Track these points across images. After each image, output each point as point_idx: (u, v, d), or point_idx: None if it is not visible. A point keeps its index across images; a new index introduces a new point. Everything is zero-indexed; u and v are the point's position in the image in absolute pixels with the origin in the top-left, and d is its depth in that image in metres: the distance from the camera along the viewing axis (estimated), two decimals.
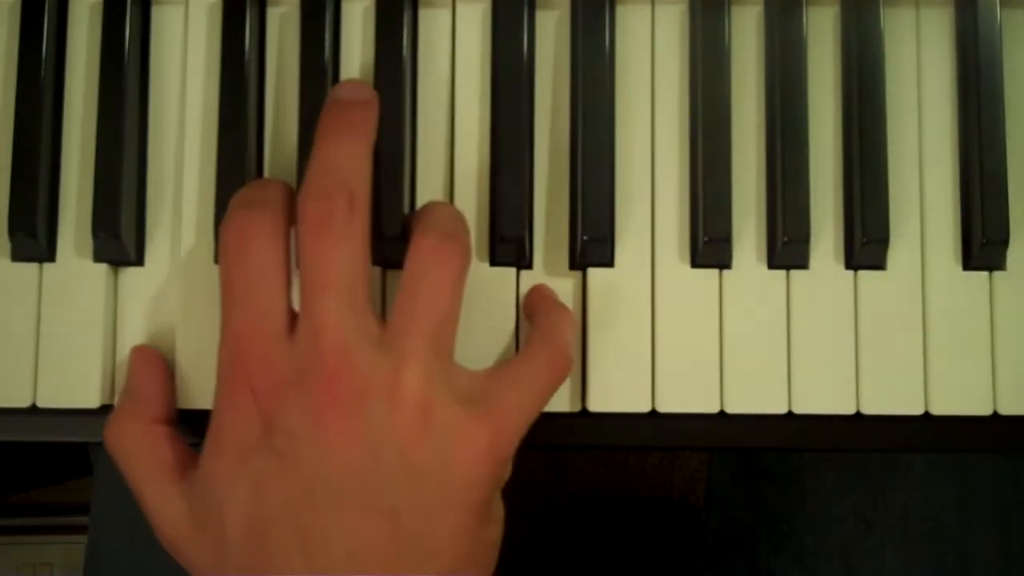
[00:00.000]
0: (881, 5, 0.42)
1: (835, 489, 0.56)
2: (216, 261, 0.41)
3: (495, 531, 0.38)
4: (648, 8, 0.43)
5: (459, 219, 0.39)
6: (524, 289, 0.42)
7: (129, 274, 0.41)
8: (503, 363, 0.39)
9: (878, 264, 0.42)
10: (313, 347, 0.35)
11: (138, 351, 0.40)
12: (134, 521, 0.54)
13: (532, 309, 0.41)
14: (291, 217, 0.38)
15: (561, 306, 0.40)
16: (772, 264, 0.42)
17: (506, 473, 0.38)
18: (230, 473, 0.36)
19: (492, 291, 0.41)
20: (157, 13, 0.42)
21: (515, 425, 0.37)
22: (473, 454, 0.36)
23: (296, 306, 0.37)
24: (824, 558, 0.55)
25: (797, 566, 0.56)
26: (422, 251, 0.37)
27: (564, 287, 0.41)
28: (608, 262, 0.41)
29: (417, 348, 0.36)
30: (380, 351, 0.36)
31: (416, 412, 0.35)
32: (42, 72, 0.41)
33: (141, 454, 0.38)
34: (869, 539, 0.55)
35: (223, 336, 0.37)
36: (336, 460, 0.35)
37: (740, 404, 0.41)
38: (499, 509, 0.38)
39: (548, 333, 0.39)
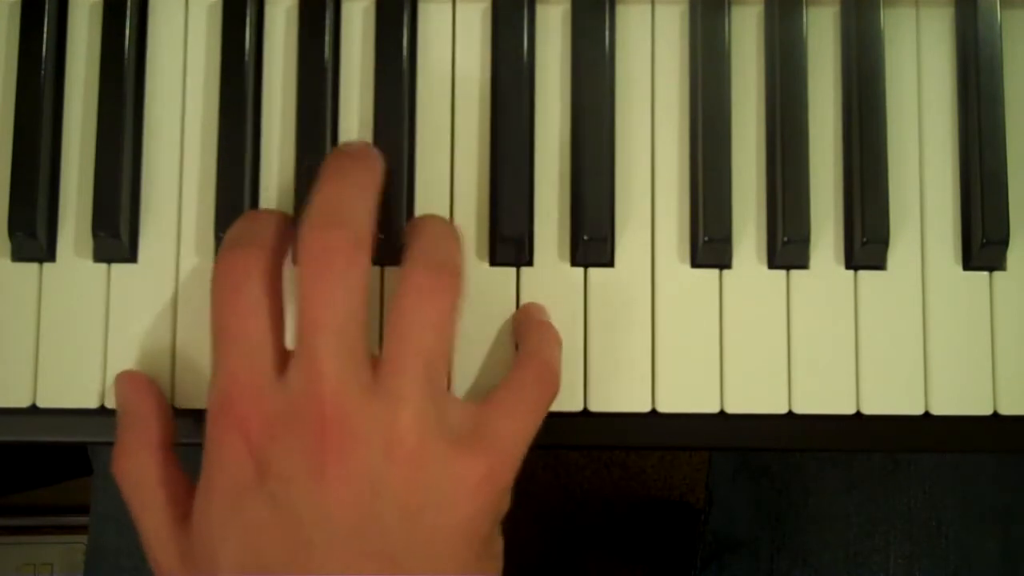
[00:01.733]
0: (881, 5, 0.42)
1: (839, 488, 0.56)
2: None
3: (494, 567, 0.37)
4: (648, 8, 0.43)
5: (451, 241, 0.38)
6: (524, 289, 0.42)
7: (129, 274, 0.41)
8: (494, 390, 0.38)
9: (878, 264, 0.42)
10: (307, 390, 0.35)
11: (124, 377, 0.40)
12: (133, 522, 0.54)
13: (518, 328, 0.40)
14: (284, 248, 0.37)
15: (546, 324, 0.40)
16: (772, 264, 0.42)
17: (505, 504, 0.37)
18: (222, 519, 0.35)
19: (492, 291, 0.41)
20: (157, 13, 0.42)
21: (511, 453, 0.37)
22: (471, 489, 0.35)
23: (288, 343, 0.36)
24: (828, 557, 0.55)
25: (800, 565, 0.56)
26: (412, 287, 0.36)
27: (564, 287, 0.41)
28: (608, 262, 0.41)
29: (410, 389, 0.35)
30: (374, 394, 0.35)
31: (411, 455, 0.35)
32: (42, 72, 0.41)
33: (145, 485, 0.38)
34: (874, 538, 0.55)
35: (214, 375, 0.36)
36: (333, 507, 0.34)
37: (740, 404, 0.41)
38: (499, 544, 0.38)
39: (534, 351, 0.39)
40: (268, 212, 0.39)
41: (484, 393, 0.39)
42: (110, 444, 0.41)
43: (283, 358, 0.36)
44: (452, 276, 0.37)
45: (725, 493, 0.61)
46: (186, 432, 0.40)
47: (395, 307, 0.36)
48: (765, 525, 0.57)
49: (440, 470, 0.35)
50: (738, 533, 0.59)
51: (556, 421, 0.41)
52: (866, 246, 0.41)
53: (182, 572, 0.37)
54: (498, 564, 0.38)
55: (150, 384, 0.40)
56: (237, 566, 0.35)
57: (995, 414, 0.41)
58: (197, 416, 0.40)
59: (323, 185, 0.37)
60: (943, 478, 0.55)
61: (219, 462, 0.35)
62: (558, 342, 0.40)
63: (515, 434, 0.37)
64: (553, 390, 0.39)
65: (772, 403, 0.41)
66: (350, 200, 0.36)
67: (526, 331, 0.40)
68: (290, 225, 0.39)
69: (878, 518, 0.55)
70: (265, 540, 0.34)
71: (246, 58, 0.41)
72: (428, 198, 0.42)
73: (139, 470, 0.38)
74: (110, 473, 0.53)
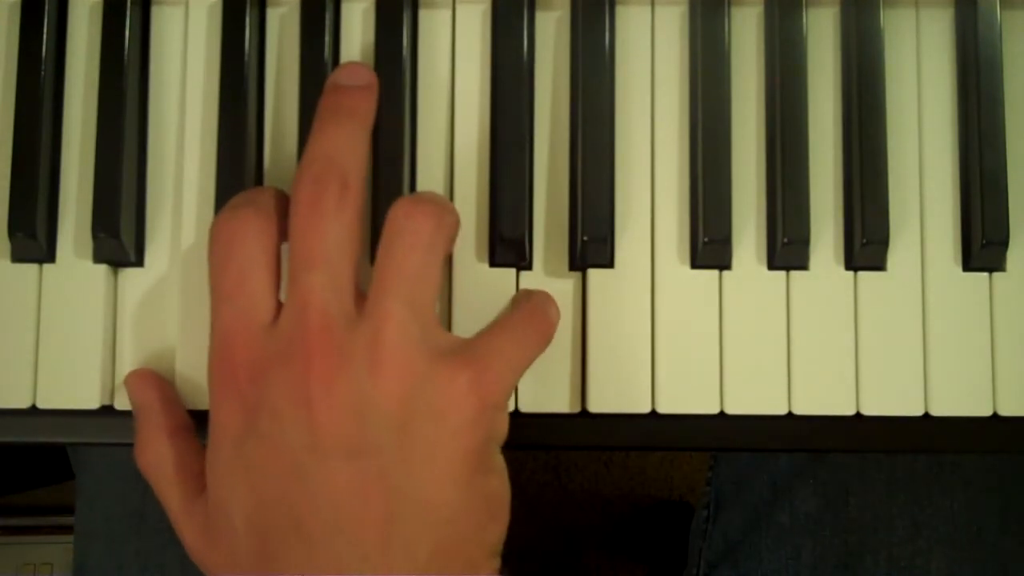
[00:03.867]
0: (881, 5, 0.42)
1: (881, 490, 0.55)
2: None
3: (496, 482, 0.38)
4: (648, 8, 0.43)
5: (438, 196, 0.39)
6: None
7: (129, 275, 0.41)
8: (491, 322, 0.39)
9: (878, 265, 0.42)
10: (296, 322, 0.36)
11: (130, 376, 0.41)
12: (119, 539, 0.54)
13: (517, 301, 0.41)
14: (283, 218, 0.38)
15: (548, 297, 0.41)
16: (772, 265, 0.42)
17: (500, 426, 0.38)
18: (228, 470, 0.36)
19: (492, 292, 0.41)
20: (157, 13, 0.42)
21: (498, 368, 0.37)
22: (457, 399, 0.36)
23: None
24: (869, 561, 0.54)
25: (841, 570, 0.55)
26: (395, 215, 0.37)
27: (564, 287, 0.41)
28: (608, 262, 0.41)
29: (393, 307, 0.36)
30: (359, 318, 0.36)
31: (395, 368, 0.35)
32: (42, 72, 0.41)
33: (164, 467, 0.39)
34: (916, 542, 0.54)
35: (212, 335, 0.37)
36: (320, 429, 0.35)
37: (740, 405, 0.41)
38: (498, 460, 0.38)
39: (526, 297, 0.40)
40: (267, 187, 0.40)
41: None
42: (110, 445, 0.41)
43: (278, 313, 0.37)
44: (435, 206, 0.38)
45: (740, 494, 0.60)
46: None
47: (382, 236, 0.37)
48: (802, 528, 0.56)
49: (426, 382, 0.36)
50: (758, 535, 0.58)
51: (556, 421, 0.41)
52: (866, 247, 0.41)
53: (204, 544, 0.38)
54: (501, 480, 0.38)
55: (153, 376, 0.41)
56: (245, 514, 0.36)
57: (995, 415, 0.41)
58: (198, 417, 0.40)
59: (316, 130, 0.38)
60: (983, 482, 0.54)
61: (219, 420, 0.37)
62: (555, 303, 0.41)
63: (502, 351, 0.38)
64: (546, 328, 0.39)
65: (772, 404, 0.41)
66: (342, 143, 0.38)
67: (519, 297, 0.41)
68: (286, 199, 0.39)
69: (922, 522, 0.54)
70: (261, 477, 0.36)
71: (246, 58, 0.41)
72: None
73: (155, 457, 0.39)
74: (92, 490, 0.54)
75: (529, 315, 0.39)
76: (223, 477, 0.36)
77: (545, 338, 0.39)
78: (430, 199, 0.38)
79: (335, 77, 0.40)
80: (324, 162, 0.37)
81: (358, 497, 0.35)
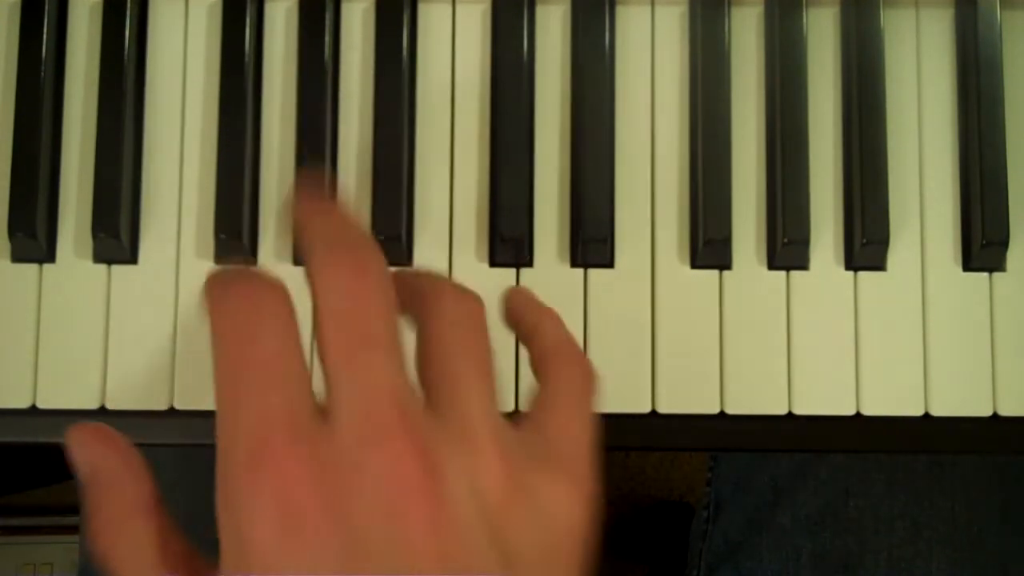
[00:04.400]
0: (881, 5, 0.42)
1: (882, 491, 0.54)
2: (216, 262, 0.41)
3: None
4: (648, 8, 0.43)
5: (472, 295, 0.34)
6: None
7: (121, 271, 0.41)
8: (537, 401, 0.34)
9: (878, 265, 0.42)
10: (366, 413, 0.28)
11: (80, 429, 0.32)
12: None
13: (518, 319, 0.37)
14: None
15: (550, 311, 0.36)
16: (772, 265, 0.42)
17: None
18: None
19: (493, 291, 0.41)
20: (156, 13, 0.42)
21: (590, 461, 0.33)
22: (568, 507, 0.31)
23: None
24: (870, 562, 0.54)
25: (840, 570, 0.55)
26: (447, 300, 0.32)
27: (564, 287, 0.41)
28: (608, 262, 0.41)
29: (479, 406, 0.30)
30: (439, 418, 0.30)
31: (502, 476, 0.30)
32: (42, 72, 0.41)
33: (142, 555, 0.31)
34: (917, 544, 0.53)
35: (232, 431, 0.29)
36: (426, 554, 0.28)
37: (740, 405, 0.41)
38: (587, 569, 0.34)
39: (563, 348, 0.35)
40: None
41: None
42: None
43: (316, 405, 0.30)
44: (477, 298, 0.33)
45: (740, 495, 0.60)
46: (188, 433, 0.40)
47: (432, 334, 0.32)
48: (802, 529, 0.56)
49: (532, 492, 0.31)
50: (758, 536, 0.58)
51: None
52: (866, 247, 0.41)
53: None
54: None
55: (113, 434, 0.32)
56: None
57: (995, 415, 0.41)
58: (198, 416, 0.40)
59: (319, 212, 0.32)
60: (984, 483, 0.53)
61: (259, 533, 0.28)
62: (562, 325, 0.36)
63: (586, 440, 0.33)
64: (596, 380, 0.35)
65: (772, 404, 0.41)
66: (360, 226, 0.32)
67: (535, 321, 0.36)
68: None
69: (922, 522, 0.53)
70: None
71: (246, 58, 0.41)
72: (428, 198, 0.42)
73: (128, 541, 0.31)
74: None
75: (583, 376, 0.34)
76: None
77: (597, 385, 0.35)
78: (472, 298, 0.33)
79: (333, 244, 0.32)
80: (358, 231, 0.31)
81: None
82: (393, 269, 0.32)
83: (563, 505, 0.31)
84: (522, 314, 0.36)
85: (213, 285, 0.31)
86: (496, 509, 0.29)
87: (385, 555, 0.28)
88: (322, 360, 0.30)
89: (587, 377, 0.34)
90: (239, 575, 0.28)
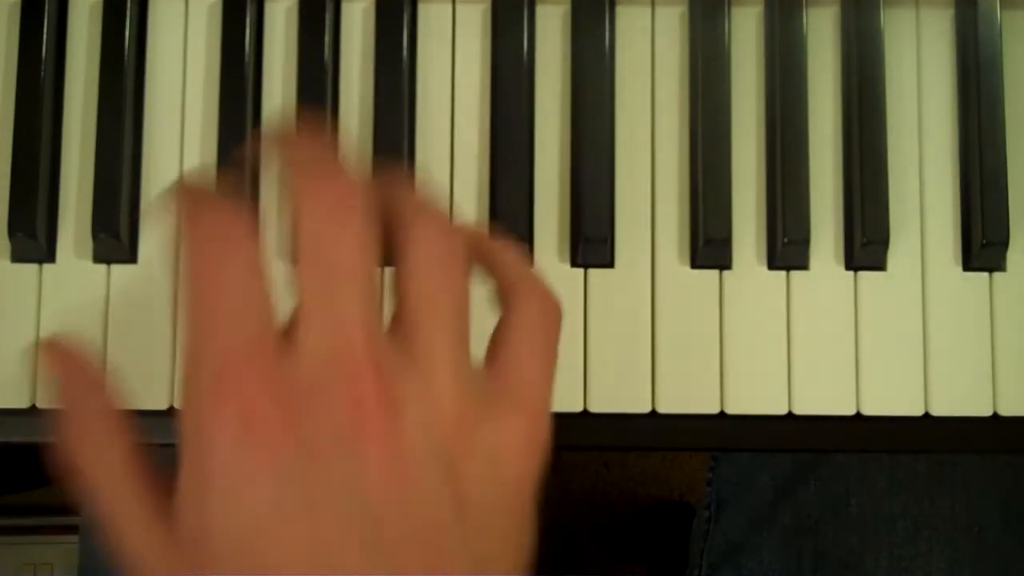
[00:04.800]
0: (881, 5, 0.42)
1: (883, 490, 0.54)
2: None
3: (531, 542, 0.34)
4: (648, 8, 0.43)
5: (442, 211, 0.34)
6: None
7: (120, 270, 0.41)
8: (500, 335, 0.34)
9: (878, 265, 0.42)
10: (334, 350, 0.30)
11: (50, 345, 0.33)
12: None
13: (479, 254, 0.35)
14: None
15: (509, 245, 0.36)
16: (772, 265, 0.42)
17: (542, 462, 0.34)
18: (225, 508, 0.30)
19: None
20: (157, 13, 0.42)
21: (544, 404, 0.34)
22: (516, 451, 0.33)
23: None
24: (871, 561, 0.54)
25: (841, 568, 0.55)
26: (425, 237, 0.33)
27: (564, 287, 0.41)
28: (608, 262, 0.41)
29: (445, 347, 0.32)
30: (405, 354, 0.31)
31: (456, 417, 0.31)
32: (42, 72, 0.41)
33: (112, 471, 0.32)
34: (918, 543, 0.53)
35: (196, 352, 0.30)
36: (380, 480, 0.30)
37: (740, 405, 0.41)
38: (534, 518, 0.35)
39: (523, 282, 0.35)
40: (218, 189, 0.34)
41: None
42: None
43: (280, 330, 0.31)
44: (455, 234, 0.33)
45: (742, 495, 0.60)
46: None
47: (409, 258, 0.32)
48: (803, 528, 0.56)
49: (484, 434, 0.32)
50: (760, 536, 0.58)
51: (556, 421, 0.41)
52: (866, 247, 0.41)
53: (169, 566, 0.31)
54: (532, 540, 0.34)
55: (83, 352, 0.33)
56: (251, 562, 0.30)
57: (995, 415, 0.41)
58: None
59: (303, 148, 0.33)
60: (985, 483, 0.53)
61: (219, 453, 0.30)
62: (526, 263, 0.36)
63: (541, 383, 0.34)
64: (560, 317, 0.35)
65: (772, 404, 0.41)
66: (342, 163, 0.32)
67: (494, 254, 0.35)
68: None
69: (923, 522, 0.53)
70: (292, 530, 0.30)
71: (246, 58, 0.41)
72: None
73: (102, 452, 0.32)
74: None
75: (542, 311, 0.35)
76: (218, 515, 0.30)
77: (561, 324, 0.35)
78: (454, 229, 0.33)
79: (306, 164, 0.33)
80: (342, 169, 0.32)
81: (416, 553, 0.30)
82: (386, 180, 0.33)
83: (512, 446, 0.32)
84: (480, 249, 0.35)
85: (186, 202, 0.32)
86: (448, 446, 0.31)
87: (338, 474, 0.29)
88: (297, 289, 0.31)
89: (547, 312, 0.34)
90: (198, 489, 0.30)
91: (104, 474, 0.32)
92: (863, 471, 0.54)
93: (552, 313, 0.35)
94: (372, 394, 0.30)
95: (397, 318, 0.33)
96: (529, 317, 0.34)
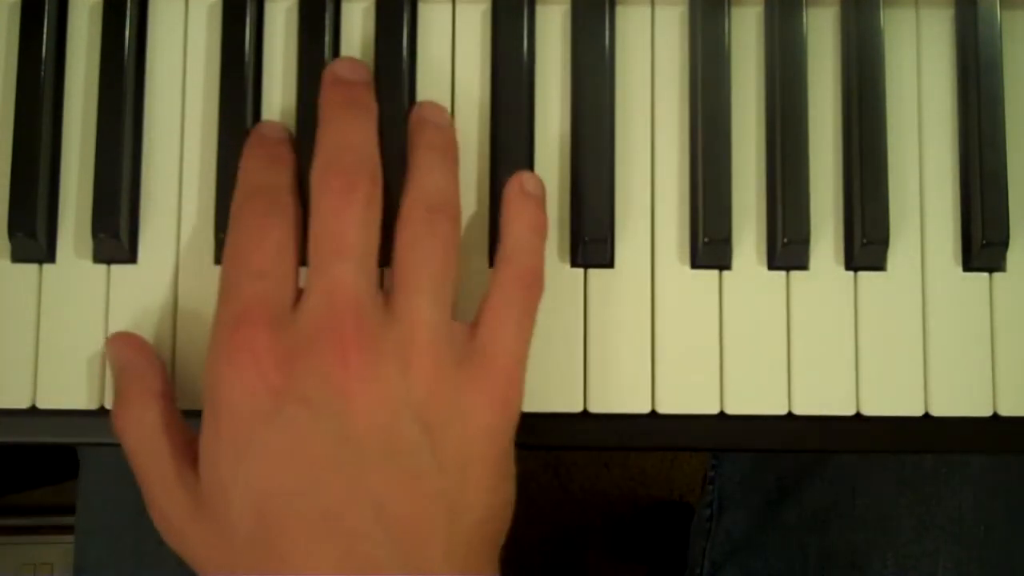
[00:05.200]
0: (881, 5, 0.42)
1: (890, 489, 0.54)
2: (216, 262, 0.41)
3: (511, 488, 0.38)
4: (648, 8, 0.43)
5: (447, 166, 0.39)
6: None
7: (121, 271, 0.41)
8: (483, 303, 0.39)
9: (878, 265, 0.42)
10: (327, 310, 0.35)
11: (116, 335, 0.40)
12: (119, 538, 0.54)
13: (504, 206, 0.40)
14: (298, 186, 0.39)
15: (526, 204, 0.40)
16: (772, 265, 0.42)
17: (517, 420, 0.38)
18: (235, 452, 0.35)
19: None
20: (157, 13, 0.42)
21: (513, 367, 0.38)
22: (484, 407, 0.36)
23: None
24: (876, 560, 0.54)
25: (847, 568, 0.55)
26: (413, 222, 0.38)
27: (564, 287, 0.41)
28: (608, 262, 0.41)
29: (423, 306, 0.36)
30: (391, 315, 0.36)
31: (428, 373, 0.36)
32: (42, 72, 0.41)
33: (148, 435, 0.38)
34: (924, 542, 0.53)
35: (225, 311, 0.36)
36: (358, 421, 0.34)
37: (740, 405, 0.41)
38: (514, 465, 0.38)
39: (513, 252, 0.39)
40: (279, 149, 0.40)
41: None
42: (110, 445, 0.41)
43: (297, 296, 0.37)
44: (449, 213, 0.38)
45: (746, 493, 0.60)
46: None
47: (399, 240, 0.38)
48: (809, 527, 0.56)
49: (454, 390, 0.36)
50: (763, 534, 0.58)
51: (556, 421, 0.41)
52: (866, 247, 0.41)
53: (193, 522, 0.36)
54: (514, 485, 0.38)
55: (139, 339, 0.40)
56: (252, 501, 0.34)
57: (995, 415, 0.41)
58: (199, 416, 0.40)
59: (333, 120, 0.38)
60: (991, 482, 0.53)
61: (227, 397, 0.35)
62: (536, 228, 0.40)
63: (512, 347, 0.38)
64: (538, 292, 0.39)
65: (772, 404, 0.41)
66: (364, 137, 0.38)
67: (505, 216, 0.40)
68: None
69: (928, 521, 0.53)
70: (286, 468, 0.34)
71: (246, 58, 0.41)
72: None
73: (141, 420, 0.38)
74: (93, 489, 0.53)
75: (522, 285, 0.39)
76: (229, 460, 0.35)
77: (540, 296, 0.39)
78: (443, 206, 0.38)
79: (337, 71, 0.40)
80: (353, 153, 0.38)
81: (396, 495, 0.34)
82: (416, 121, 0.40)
83: (479, 406, 0.36)
84: (507, 205, 0.40)
85: (247, 179, 0.39)
86: (421, 401, 0.35)
87: (325, 422, 0.34)
88: (307, 261, 0.37)
89: (527, 288, 0.39)
90: (214, 441, 0.35)
91: (140, 436, 0.38)
92: (868, 470, 0.54)
93: (533, 286, 0.39)
94: (353, 348, 0.35)
95: (391, 282, 0.37)
96: (514, 291, 0.39)
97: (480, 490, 0.36)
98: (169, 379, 0.40)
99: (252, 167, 0.39)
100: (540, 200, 0.40)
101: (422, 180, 0.39)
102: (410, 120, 0.40)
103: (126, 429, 0.38)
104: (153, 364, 0.39)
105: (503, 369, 0.37)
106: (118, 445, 0.40)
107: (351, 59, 0.41)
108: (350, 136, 0.38)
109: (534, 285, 0.39)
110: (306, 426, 0.34)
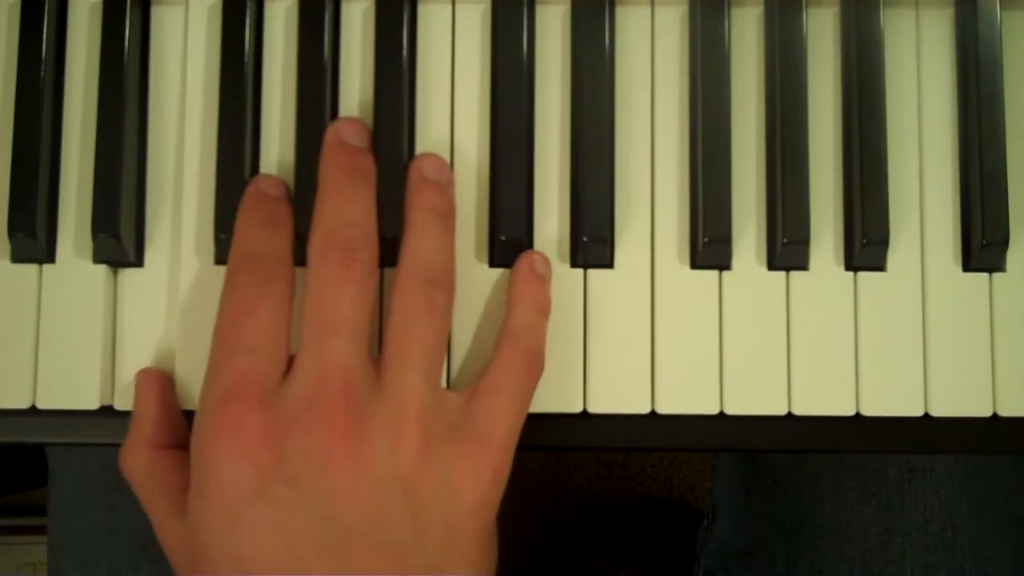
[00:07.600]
0: (881, 5, 0.42)
1: (855, 497, 0.55)
2: (217, 263, 0.41)
3: (494, 559, 0.38)
4: (648, 9, 0.43)
5: (443, 238, 0.39)
6: None
7: (128, 275, 0.41)
8: (482, 376, 0.39)
9: (878, 265, 0.42)
10: (318, 387, 0.35)
11: (141, 374, 0.40)
12: (91, 555, 0.54)
13: (512, 285, 0.41)
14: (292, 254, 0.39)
15: (533, 284, 0.40)
16: (772, 265, 0.42)
17: (502, 494, 0.38)
18: (220, 526, 0.35)
19: (492, 291, 0.41)
20: (157, 13, 0.42)
21: (506, 443, 0.38)
22: (473, 481, 0.36)
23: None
24: (844, 568, 0.54)
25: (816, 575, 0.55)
26: (410, 294, 0.38)
27: (564, 287, 0.41)
28: (608, 263, 0.41)
29: (413, 381, 0.36)
30: (380, 390, 0.36)
31: (417, 448, 0.36)
32: (42, 72, 0.41)
33: (146, 480, 0.39)
34: (890, 548, 0.54)
35: (213, 380, 0.37)
36: (342, 503, 0.34)
37: (740, 405, 0.41)
38: (496, 536, 0.38)
39: (516, 332, 0.39)
40: (279, 214, 0.40)
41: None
42: (110, 445, 0.41)
43: (288, 363, 0.37)
44: (445, 288, 0.39)
45: (732, 503, 0.60)
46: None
47: (392, 312, 0.38)
48: (778, 536, 0.56)
49: (443, 464, 0.36)
50: (747, 543, 0.58)
51: (556, 422, 0.41)
52: (866, 247, 0.41)
53: (185, 564, 0.37)
54: (495, 555, 0.38)
55: (158, 384, 0.40)
56: (238, 571, 0.35)
57: (994, 415, 0.41)
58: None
59: (334, 192, 0.38)
60: (958, 487, 0.54)
61: (214, 474, 0.35)
62: (542, 309, 0.40)
63: (508, 423, 0.38)
64: (538, 372, 0.39)
65: (772, 404, 0.41)
66: (364, 211, 0.38)
67: (512, 294, 0.40)
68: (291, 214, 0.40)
69: (894, 528, 0.54)
70: (270, 542, 0.34)
71: (246, 58, 0.41)
72: None
73: (137, 467, 0.39)
74: (63, 506, 0.54)
75: (523, 363, 0.39)
76: (215, 531, 0.35)
77: (539, 377, 0.40)
78: (438, 280, 0.38)
79: (342, 133, 0.40)
80: (354, 228, 0.38)
81: (380, 566, 0.34)
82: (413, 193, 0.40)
83: (469, 480, 0.37)
84: (516, 283, 0.40)
85: (242, 244, 0.38)
86: (409, 476, 0.35)
87: (309, 497, 0.34)
88: (299, 334, 0.37)
89: (528, 368, 0.39)
90: (199, 500, 0.36)
91: (133, 479, 0.39)
92: (834, 479, 0.55)
93: (535, 364, 0.39)
94: (341, 426, 0.35)
95: (380, 354, 0.38)
96: (512, 368, 0.39)
97: (464, 564, 0.36)
98: (170, 421, 0.40)
99: (247, 231, 0.39)
100: (547, 281, 0.41)
101: (419, 247, 0.39)
102: (410, 175, 0.40)
103: (124, 469, 0.39)
104: (150, 409, 0.39)
105: (498, 443, 0.37)
106: (118, 445, 0.40)
107: (355, 121, 0.41)
108: (350, 209, 0.38)
109: (535, 364, 0.39)
110: (291, 505, 0.34)
